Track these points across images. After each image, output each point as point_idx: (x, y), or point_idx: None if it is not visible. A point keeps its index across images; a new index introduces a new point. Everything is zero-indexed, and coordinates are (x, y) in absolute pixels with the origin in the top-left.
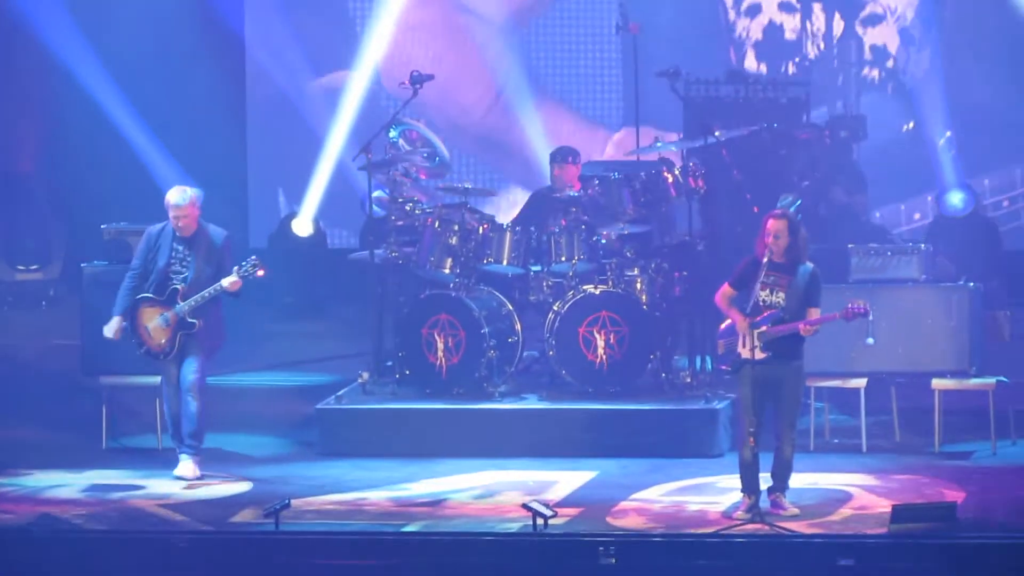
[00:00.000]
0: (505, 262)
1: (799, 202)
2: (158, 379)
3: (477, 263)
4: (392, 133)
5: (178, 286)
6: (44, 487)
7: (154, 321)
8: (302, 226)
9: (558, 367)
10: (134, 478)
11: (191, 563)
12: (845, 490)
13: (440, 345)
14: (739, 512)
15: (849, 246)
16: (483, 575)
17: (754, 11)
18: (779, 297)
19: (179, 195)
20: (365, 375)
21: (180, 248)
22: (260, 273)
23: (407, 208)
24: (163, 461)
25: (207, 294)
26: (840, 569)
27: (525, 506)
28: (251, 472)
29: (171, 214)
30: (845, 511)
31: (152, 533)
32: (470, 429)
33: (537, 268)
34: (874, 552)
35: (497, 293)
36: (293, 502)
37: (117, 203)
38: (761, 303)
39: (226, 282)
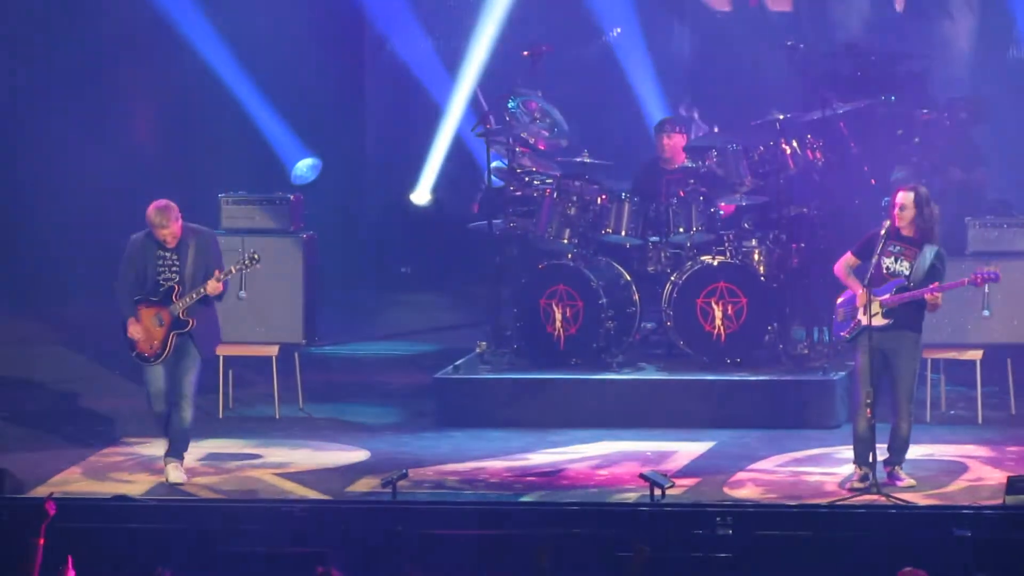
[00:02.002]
0: (623, 233)
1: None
2: (276, 348)
3: (595, 234)
4: (511, 103)
5: (174, 285)
6: (161, 456)
7: (148, 321)
8: (420, 196)
9: (676, 338)
10: (251, 447)
11: (308, 532)
12: (961, 461)
13: (558, 315)
14: (852, 483)
15: (967, 219)
16: (600, 546)
17: None
18: (903, 266)
19: (161, 215)
20: (483, 345)
21: (166, 254)
22: (258, 267)
23: (525, 178)
24: (280, 430)
25: (195, 294)
26: (956, 540)
27: (642, 476)
28: (368, 442)
29: (155, 232)
30: (961, 482)
31: (270, 502)
32: (587, 400)
33: (655, 239)
34: (990, 523)
35: (615, 264)
36: (410, 472)
37: (236, 174)
38: (885, 270)
39: (208, 286)
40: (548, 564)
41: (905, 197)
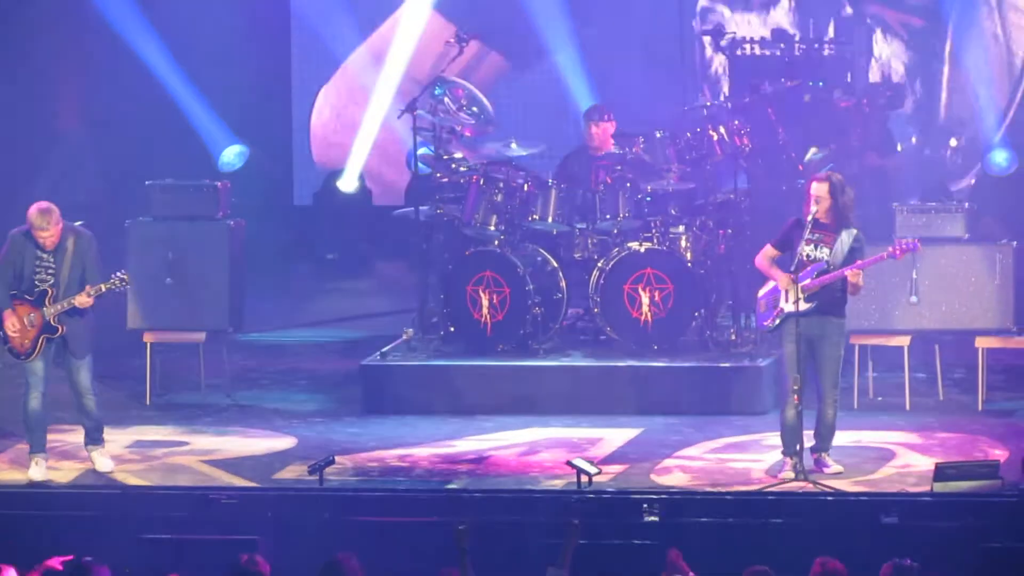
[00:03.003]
0: (550, 219)
1: (823, 155)
2: (203, 335)
3: (522, 220)
4: (437, 90)
5: (48, 288)
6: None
7: (22, 319)
8: (347, 183)
9: (603, 324)
10: (178, 434)
11: (235, 519)
12: (889, 448)
13: (485, 302)
14: (783, 473)
15: (894, 205)
16: (528, 532)
17: None
18: (823, 252)
19: (43, 218)
20: (410, 332)
21: (44, 255)
22: (128, 287)
23: (452, 165)
24: (207, 417)
25: (65, 304)
26: (883, 527)
27: (570, 463)
28: (295, 429)
29: (35, 233)
30: (889, 469)
31: (196, 489)
32: (515, 386)
33: (582, 225)
34: (918, 510)
35: (542, 250)
36: (337, 459)
37: (162, 160)
38: (805, 258)
39: (78, 300)
40: (467, 545)
41: (819, 188)
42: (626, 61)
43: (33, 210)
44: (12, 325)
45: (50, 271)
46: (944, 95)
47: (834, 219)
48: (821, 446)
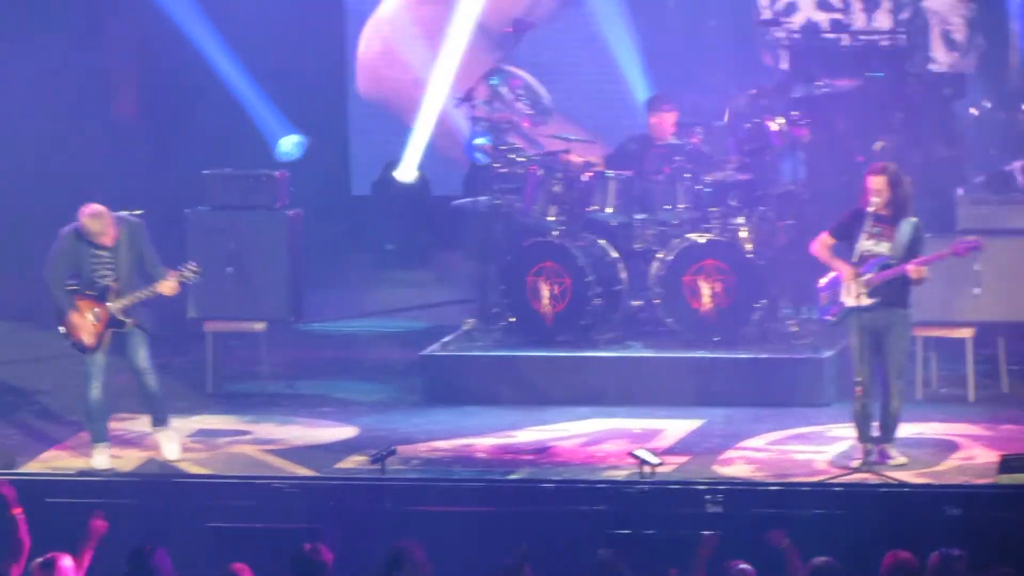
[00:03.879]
0: (610, 210)
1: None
2: (263, 324)
3: (581, 210)
4: (494, 80)
5: (110, 284)
6: (151, 432)
7: (85, 314)
8: (405, 173)
9: (663, 315)
10: (240, 423)
11: (297, 509)
12: (952, 440)
13: (545, 293)
14: (855, 461)
15: (958, 195)
16: (589, 523)
17: None
18: (884, 247)
19: (97, 222)
20: (470, 322)
21: (100, 252)
22: (198, 278)
23: (510, 156)
24: (269, 407)
25: (142, 295)
26: (947, 519)
27: (632, 454)
28: (357, 418)
29: (92, 238)
30: (952, 461)
31: (258, 479)
32: (576, 377)
33: (642, 216)
34: (981, 502)
35: (602, 241)
36: (399, 449)
37: (219, 149)
38: (866, 253)
39: (165, 288)
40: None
41: (877, 181)
42: (685, 51)
43: (87, 219)
44: (79, 322)
45: (109, 266)
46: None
47: (894, 211)
48: (886, 437)
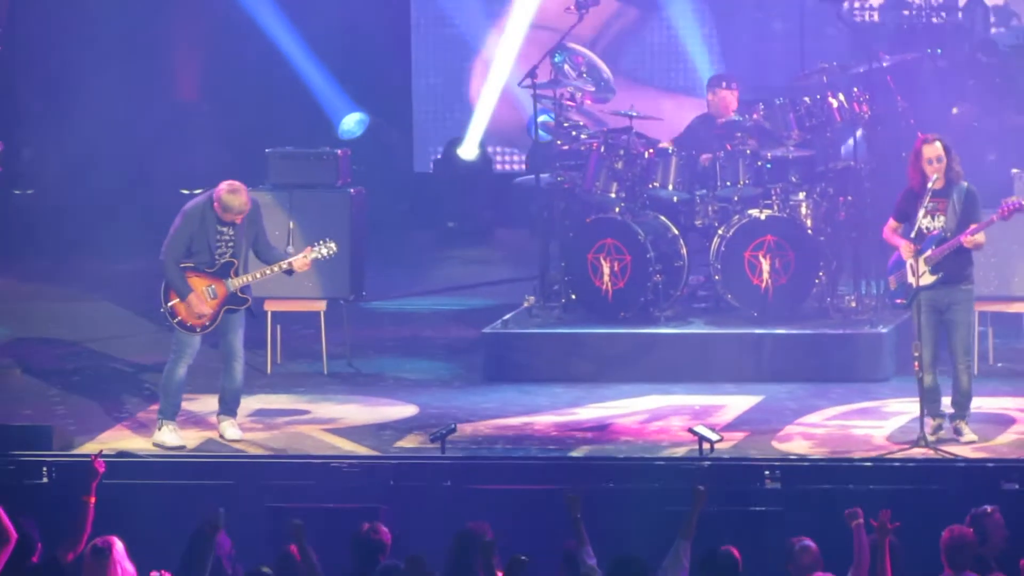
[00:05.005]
0: (671, 187)
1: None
2: (324, 304)
3: (643, 188)
4: (557, 58)
5: (232, 260)
6: (210, 412)
7: (200, 293)
8: (468, 150)
9: (724, 292)
10: (299, 402)
11: (357, 488)
12: (1009, 414)
13: (606, 269)
14: (929, 435)
15: (1013, 171)
16: (649, 500)
17: None
18: (939, 221)
19: (237, 198)
20: (531, 299)
21: (225, 229)
22: (333, 255)
23: (572, 133)
24: (328, 386)
25: (268, 272)
26: (1004, 493)
27: (691, 431)
28: (417, 397)
29: (228, 215)
30: (1009, 435)
31: (319, 458)
32: (636, 354)
33: (702, 192)
34: None
35: (662, 218)
36: (459, 426)
37: (283, 129)
38: (924, 230)
39: (297, 263)
40: (579, 512)
41: (934, 149)
42: (744, 27)
43: (224, 192)
44: (196, 300)
45: (230, 244)
46: None
47: (947, 182)
48: (958, 414)
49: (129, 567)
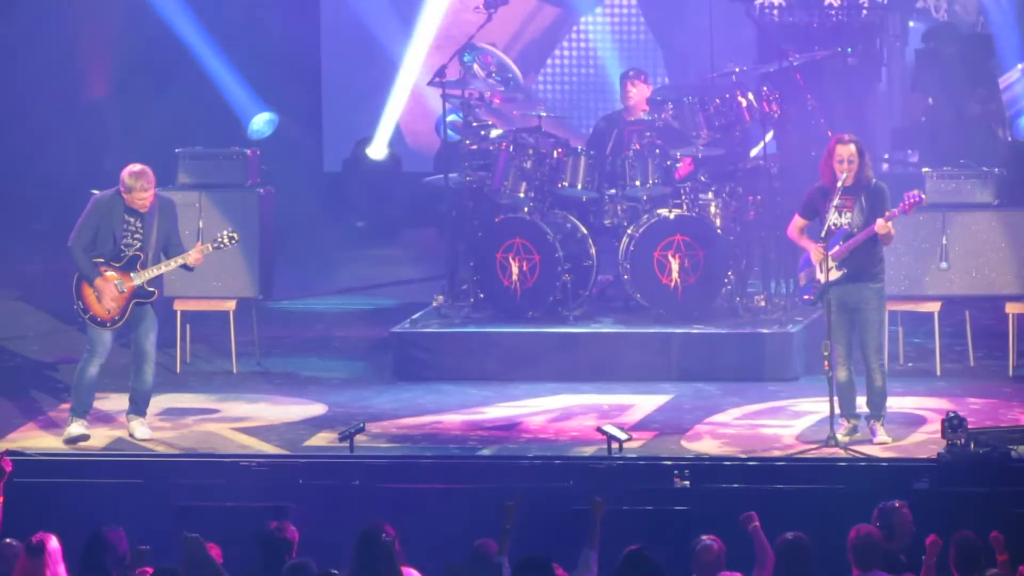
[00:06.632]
0: (580, 186)
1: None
2: (233, 303)
3: (551, 187)
4: (466, 57)
5: (138, 254)
6: (120, 411)
7: (109, 286)
8: (377, 150)
9: (632, 291)
10: (208, 401)
11: (265, 487)
12: (919, 414)
13: (515, 269)
14: (840, 435)
15: (924, 170)
16: (558, 499)
17: None
18: (847, 218)
19: (139, 179)
20: (440, 299)
21: (132, 219)
22: (235, 244)
23: (481, 132)
24: (237, 385)
25: (169, 266)
26: (915, 492)
27: (600, 430)
28: (326, 396)
29: (131, 196)
30: (920, 435)
31: (226, 456)
32: (545, 353)
33: (611, 192)
34: (948, 475)
35: (572, 217)
36: (368, 425)
37: (192, 129)
38: (832, 226)
39: (190, 258)
40: (512, 523)
41: (847, 150)
42: (654, 25)
43: (129, 174)
44: (98, 293)
45: (137, 236)
46: None
47: (857, 181)
48: (874, 414)
49: (62, 570)
